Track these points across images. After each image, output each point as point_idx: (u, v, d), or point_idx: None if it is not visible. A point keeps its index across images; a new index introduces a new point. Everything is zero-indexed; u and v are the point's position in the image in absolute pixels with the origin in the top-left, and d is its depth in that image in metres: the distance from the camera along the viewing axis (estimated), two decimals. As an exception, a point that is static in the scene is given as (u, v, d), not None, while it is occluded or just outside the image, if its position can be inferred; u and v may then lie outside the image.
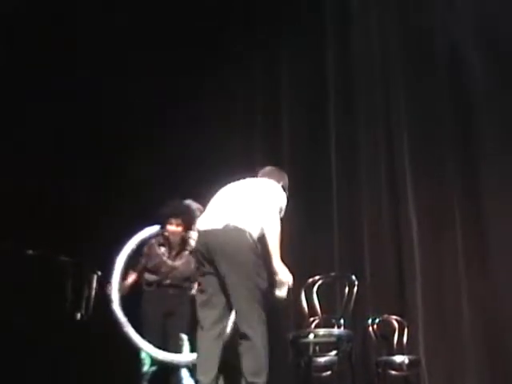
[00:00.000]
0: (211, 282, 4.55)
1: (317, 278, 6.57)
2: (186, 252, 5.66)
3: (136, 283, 5.85)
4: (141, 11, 7.58)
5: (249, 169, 5.49)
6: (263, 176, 5.13)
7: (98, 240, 6.38)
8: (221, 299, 4.53)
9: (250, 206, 4.69)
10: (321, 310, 6.45)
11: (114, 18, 7.46)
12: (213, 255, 4.53)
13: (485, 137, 7.09)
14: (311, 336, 6.07)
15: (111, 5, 7.48)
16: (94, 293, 5.27)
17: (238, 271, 4.45)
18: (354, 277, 6.38)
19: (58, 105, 7.22)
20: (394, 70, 7.52)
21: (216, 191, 4.93)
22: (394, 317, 6.63)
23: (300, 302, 6.41)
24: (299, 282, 6.34)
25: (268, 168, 5.27)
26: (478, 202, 7.05)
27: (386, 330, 6.58)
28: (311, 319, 6.39)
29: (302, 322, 6.40)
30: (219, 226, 4.58)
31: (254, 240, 4.56)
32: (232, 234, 4.54)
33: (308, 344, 6.13)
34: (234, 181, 4.98)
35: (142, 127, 7.45)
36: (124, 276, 5.72)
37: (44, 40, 7.35)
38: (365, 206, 7.23)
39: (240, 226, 4.56)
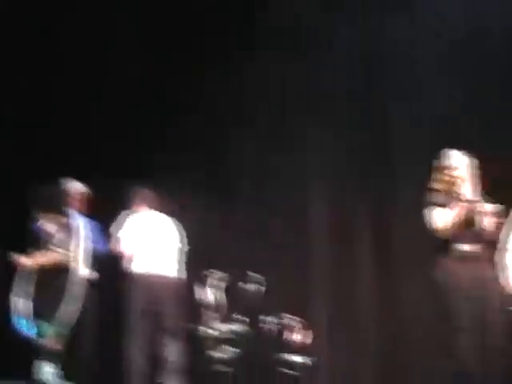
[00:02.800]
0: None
1: (224, 273, 6.48)
2: None
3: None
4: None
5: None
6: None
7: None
8: None
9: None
10: (225, 306, 6.35)
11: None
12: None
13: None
14: (212, 331, 6.02)
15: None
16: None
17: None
18: (259, 275, 6.34)
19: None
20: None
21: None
22: (296, 317, 6.59)
23: (205, 296, 6.31)
24: (206, 277, 6.35)
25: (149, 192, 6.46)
26: (388, 212, 7.19)
27: (287, 330, 6.51)
28: (215, 314, 6.29)
29: (203, 317, 6.29)
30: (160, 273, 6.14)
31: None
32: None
33: (209, 338, 6.06)
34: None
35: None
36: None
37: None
38: (277, 206, 7.22)
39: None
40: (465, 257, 4.96)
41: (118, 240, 6.25)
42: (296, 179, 7.28)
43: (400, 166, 7.12)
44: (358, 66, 7.24)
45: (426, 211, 5.12)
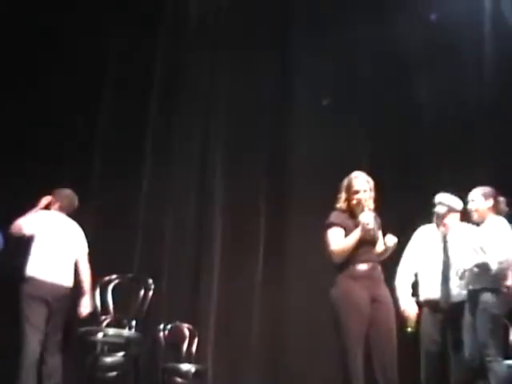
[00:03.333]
0: None
1: (113, 277, 6.36)
2: None
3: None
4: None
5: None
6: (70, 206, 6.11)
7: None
8: None
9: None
10: (114, 310, 6.23)
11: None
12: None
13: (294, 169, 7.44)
14: (100, 335, 5.89)
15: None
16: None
17: None
18: (150, 280, 6.26)
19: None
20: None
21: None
22: (186, 325, 6.59)
23: (93, 299, 6.16)
24: (95, 280, 6.21)
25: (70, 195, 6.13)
26: (281, 225, 7.33)
27: (176, 337, 6.50)
28: (103, 318, 6.15)
29: (93, 320, 6.13)
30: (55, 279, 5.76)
31: None
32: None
33: (96, 342, 5.93)
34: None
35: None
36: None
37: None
38: (171, 211, 7.19)
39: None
40: (360, 276, 4.88)
41: (18, 238, 5.88)
42: (190, 191, 7.35)
43: (300, 183, 7.31)
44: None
45: (324, 230, 5.02)
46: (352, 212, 5.08)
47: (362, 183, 5.10)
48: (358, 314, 4.83)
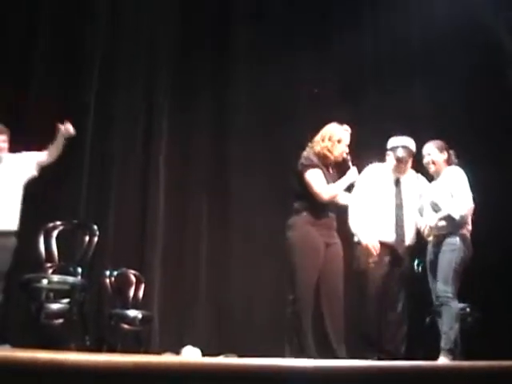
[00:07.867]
0: None
1: (58, 223, 6.25)
2: None
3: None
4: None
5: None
6: None
7: None
8: None
9: None
10: (59, 256, 6.12)
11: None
12: None
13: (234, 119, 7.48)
14: (44, 281, 5.78)
15: None
16: None
17: None
18: (95, 226, 6.17)
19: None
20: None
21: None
22: (132, 271, 6.53)
23: (38, 246, 6.04)
24: (39, 226, 6.11)
25: None
26: (225, 174, 7.39)
27: (122, 284, 6.44)
28: (48, 265, 6.04)
29: (38, 267, 6.01)
30: None
31: None
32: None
33: (41, 289, 5.81)
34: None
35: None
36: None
37: None
38: (117, 157, 7.06)
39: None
40: (319, 224, 5.08)
41: None
42: (136, 136, 7.25)
43: (246, 124, 7.40)
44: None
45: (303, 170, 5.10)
46: (324, 159, 5.18)
47: (348, 138, 5.27)
48: (314, 257, 5.00)
